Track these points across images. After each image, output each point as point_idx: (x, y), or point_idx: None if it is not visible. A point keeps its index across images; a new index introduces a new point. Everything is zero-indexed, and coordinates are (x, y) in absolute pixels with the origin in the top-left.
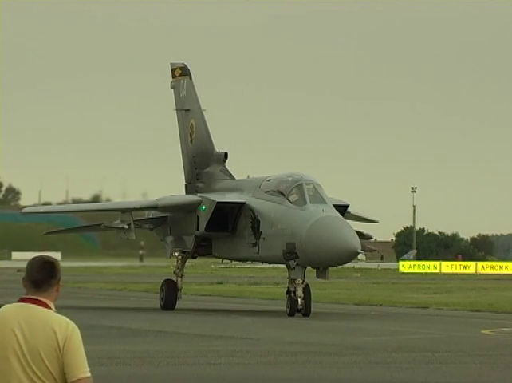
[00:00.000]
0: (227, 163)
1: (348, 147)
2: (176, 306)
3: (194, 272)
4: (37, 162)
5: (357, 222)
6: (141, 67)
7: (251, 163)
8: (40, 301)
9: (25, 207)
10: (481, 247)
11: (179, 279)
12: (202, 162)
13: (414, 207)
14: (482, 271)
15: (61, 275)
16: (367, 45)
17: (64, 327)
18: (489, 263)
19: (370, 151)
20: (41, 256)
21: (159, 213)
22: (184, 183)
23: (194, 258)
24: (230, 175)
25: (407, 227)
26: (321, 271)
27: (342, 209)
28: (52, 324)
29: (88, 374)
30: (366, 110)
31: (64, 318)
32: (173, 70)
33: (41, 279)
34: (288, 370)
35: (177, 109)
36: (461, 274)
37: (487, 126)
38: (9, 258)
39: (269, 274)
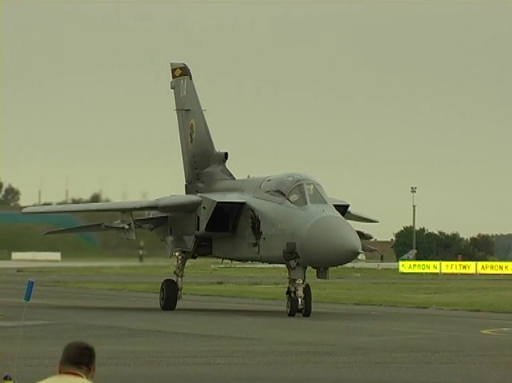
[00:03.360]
0: (227, 163)
1: (348, 147)
2: (176, 306)
3: (194, 272)
4: (37, 162)
5: (357, 222)
6: (141, 67)
7: (251, 163)
8: (75, 373)
9: (25, 207)
10: (481, 247)
11: (180, 279)
12: (202, 162)
13: (414, 207)
14: (482, 271)
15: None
16: (367, 45)
17: None
18: (489, 263)
19: (370, 151)
20: (78, 342)
21: (159, 213)
22: (184, 183)
23: (195, 258)
24: (230, 175)
25: (407, 227)
26: (322, 271)
27: (342, 209)
28: None
29: None
30: (366, 110)
31: None
32: (173, 70)
33: (81, 361)
34: (288, 370)
35: (177, 109)
36: (461, 274)
37: (487, 126)
38: (9, 258)
39: (269, 274)
